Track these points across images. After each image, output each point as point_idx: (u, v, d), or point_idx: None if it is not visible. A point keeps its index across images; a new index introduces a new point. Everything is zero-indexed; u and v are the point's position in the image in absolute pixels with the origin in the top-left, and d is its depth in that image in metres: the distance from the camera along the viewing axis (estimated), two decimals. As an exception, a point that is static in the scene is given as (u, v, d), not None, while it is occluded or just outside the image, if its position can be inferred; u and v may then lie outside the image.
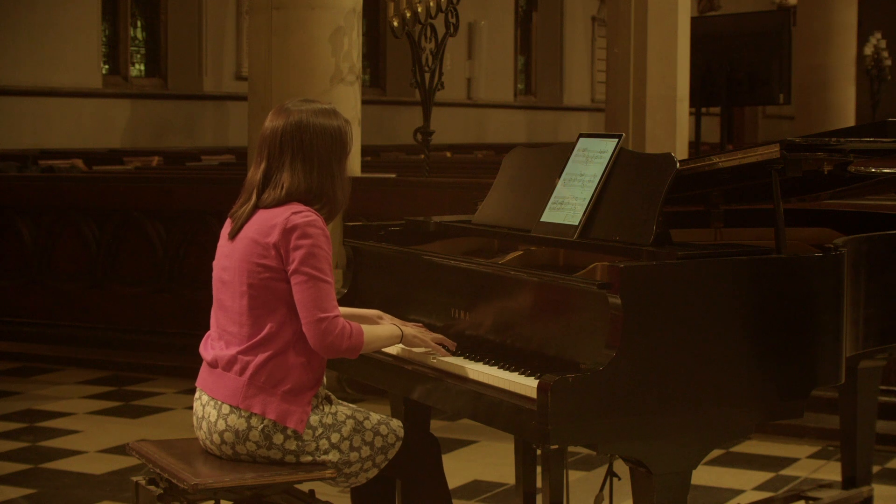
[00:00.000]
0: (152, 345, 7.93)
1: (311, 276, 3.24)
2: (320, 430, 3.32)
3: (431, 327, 3.64)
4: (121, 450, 5.60)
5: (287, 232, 3.24)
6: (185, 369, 7.20)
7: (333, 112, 3.42)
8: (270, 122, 3.38)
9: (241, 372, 3.29)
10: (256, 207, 3.33)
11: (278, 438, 3.28)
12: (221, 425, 3.30)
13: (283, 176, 3.31)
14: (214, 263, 3.45)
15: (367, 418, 3.40)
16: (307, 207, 3.30)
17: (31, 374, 7.63)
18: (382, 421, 3.42)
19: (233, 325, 3.34)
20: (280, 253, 3.26)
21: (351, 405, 3.45)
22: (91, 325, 8.20)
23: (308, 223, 3.25)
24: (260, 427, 3.27)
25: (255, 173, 3.37)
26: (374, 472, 3.40)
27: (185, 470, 3.27)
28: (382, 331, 3.43)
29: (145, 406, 6.81)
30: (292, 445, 3.29)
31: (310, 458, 3.31)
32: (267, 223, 3.28)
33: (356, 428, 3.36)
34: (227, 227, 3.43)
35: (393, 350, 3.58)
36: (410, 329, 3.48)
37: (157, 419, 6.53)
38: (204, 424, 3.36)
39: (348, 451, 3.34)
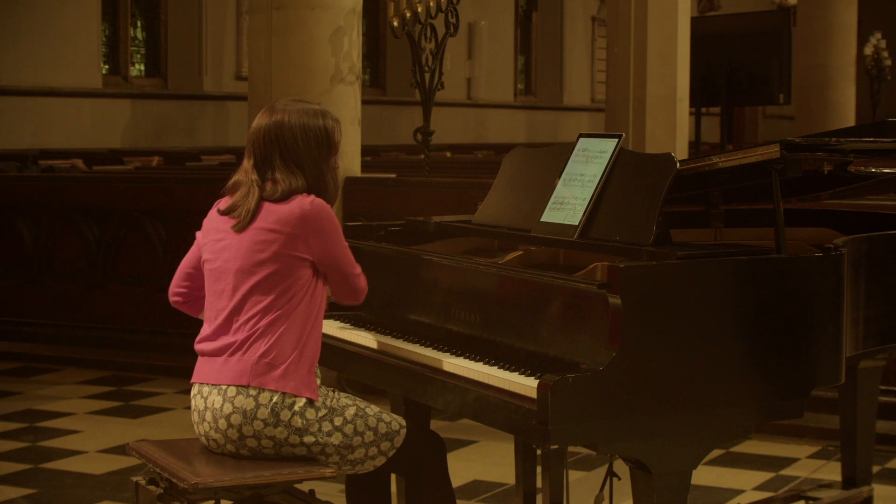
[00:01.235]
0: (152, 345, 7.93)
1: (344, 247, 3.45)
2: (324, 412, 3.36)
3: (431, 327, 3.65)
4: (121, 450, 5.60)
5: (314, 222, 3.37)
6: (185, 369, 7.11)
7: (321, 112, 3.52)
8: (257, 119, 3.50)
9: (251, 352, 3.34)
10: (262, 200, 3.41)
11: (286, 415, 3.31)
12: (228, 409, 3.33)
13: (277, 174, 3.42)
14: (211, 256, 3.47)
15: (369, 406, 3.45)
16: (313, 195, 3.43)
17: (31, 374, 7.64)
18: (383, 411, 3.48)
19: (246, 312, 3.38)
20: (308, 244, 3.37)
21: (354, 396, 3.49)
22: (91, 325, 8.20)
23: (325, 207, 3.41)
24: (269, 404, 3.30)
25: (248, 167, 3.47)
26: (381, 460, 3.42)
27: (185, 470, 3.27)
28: None
29: (145, 406, 6.82)
30: (298, 422, 3.31)
31: (312, 440, 3.33)
32: (287, 214, 3.38)
33: (359, 413, 3.40)
34: (220, 221, 3.47)
35: (394, 350, 3.58)
36: None
37: (157, 419, 6.53)
38: (208, 415, 3.37)
39: (352, 435, 3.37)
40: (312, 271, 3.40)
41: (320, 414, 3.36)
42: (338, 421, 3.37)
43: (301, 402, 3.33)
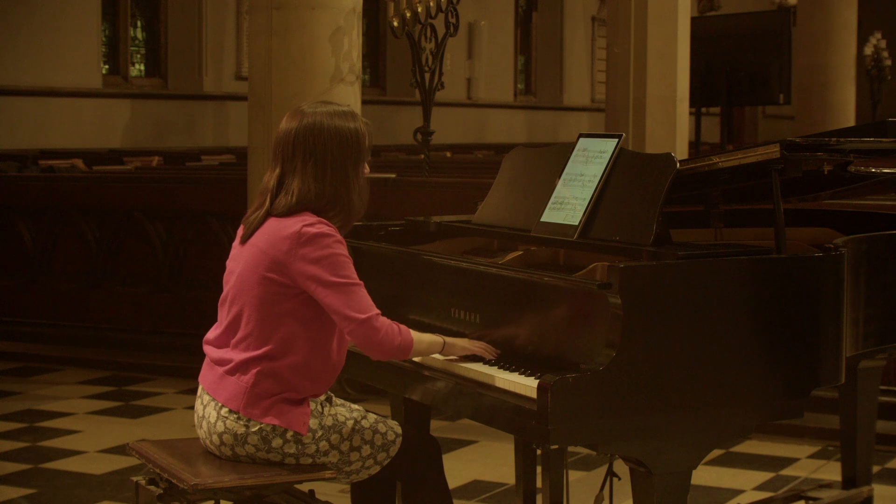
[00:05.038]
0: (152, 345, 7.93)
1: (337, 283, 3.20)
2: (320, 433, 3.32)
3: (431, 327, 3.64)
4: (121, 450, 5.60)
5: (299, 247, 3.21)
6: (185, 369, 7.21)
7: (351, 114, 3.35)
8: (285, 123, 3.35)
9: (246, 378, 3.28)
10: (269, 214, 3.30)
11: (277, 443, 3.28)
12: (220, 427, 3.30)
13: (294, 182, 3.27)
14: (227, 262, 3.45)
15: (365, 417, 3.40)
16: (319, 218, 3.26)
17: (31, 374, 7.63)
18: (379, 420, 3.43)
19: (241, 330, 3.33)
20: (290, 270, 3.22)
21: (350, 405, 3.45)
22: (91, 325, 8.20)
23: (319, 234, 3.22)
24: (258, 432, 3.27)
25: (269, 178, 3.34)
26: (376, 469, 3.40)
27: (185, 470, 3.27)
28: (426, 335, 3.37)
29: (145, 406, 6.81)
30: (291, 449, 3.29)
31: (310, 460, 3.32)
32: (277, 234, 3.25)
33: (355, 428, 3.36)
34: (241, 227, 3.42)
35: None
36: (453, 339, 3.41)
37: (157, 419, 6.53)
38: (204, 424, 3.36)
39: (348, 452, 3.34)
40: (302, 300, 3.25)
41: (317, 435, 3.31)
42: (334, 439, 3.32)
43: (291, 431, 3.28)
